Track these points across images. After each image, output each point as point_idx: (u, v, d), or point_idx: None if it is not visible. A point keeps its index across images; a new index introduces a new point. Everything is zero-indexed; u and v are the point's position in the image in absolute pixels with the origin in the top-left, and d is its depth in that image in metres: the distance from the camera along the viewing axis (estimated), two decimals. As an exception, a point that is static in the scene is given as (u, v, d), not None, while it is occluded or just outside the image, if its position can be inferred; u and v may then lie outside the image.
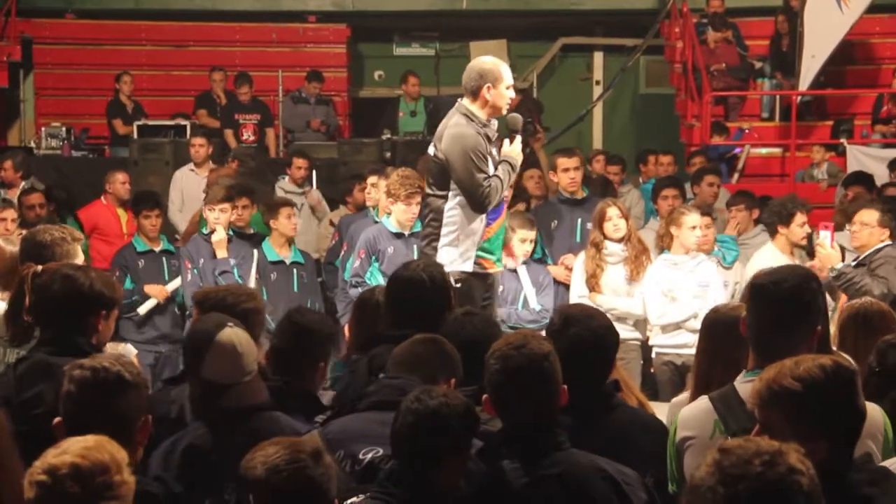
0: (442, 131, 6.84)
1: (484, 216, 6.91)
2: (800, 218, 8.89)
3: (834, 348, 5.22)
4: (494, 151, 6.90)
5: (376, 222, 9.11)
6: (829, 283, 7.79)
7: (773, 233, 9.03)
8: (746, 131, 15.67)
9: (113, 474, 3.02)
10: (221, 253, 9.34)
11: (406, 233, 8.59)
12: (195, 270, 9.36)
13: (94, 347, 4.66)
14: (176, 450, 4.25)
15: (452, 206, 6.79)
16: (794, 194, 10.72)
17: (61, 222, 9.39)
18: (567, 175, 9.53)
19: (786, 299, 3.93)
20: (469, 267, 6.87)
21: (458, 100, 6.96)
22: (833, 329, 5.47)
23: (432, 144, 6.89)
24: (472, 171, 6.67)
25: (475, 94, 6.81)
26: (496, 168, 6.84)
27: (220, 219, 9.44)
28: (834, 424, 3.23)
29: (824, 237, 8.01)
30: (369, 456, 4.13)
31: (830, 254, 7.92)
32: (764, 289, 3.99)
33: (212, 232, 9.45)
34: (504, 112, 6.97)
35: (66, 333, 4.64)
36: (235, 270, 9.30)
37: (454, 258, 6.78)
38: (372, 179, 9.89)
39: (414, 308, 5.17)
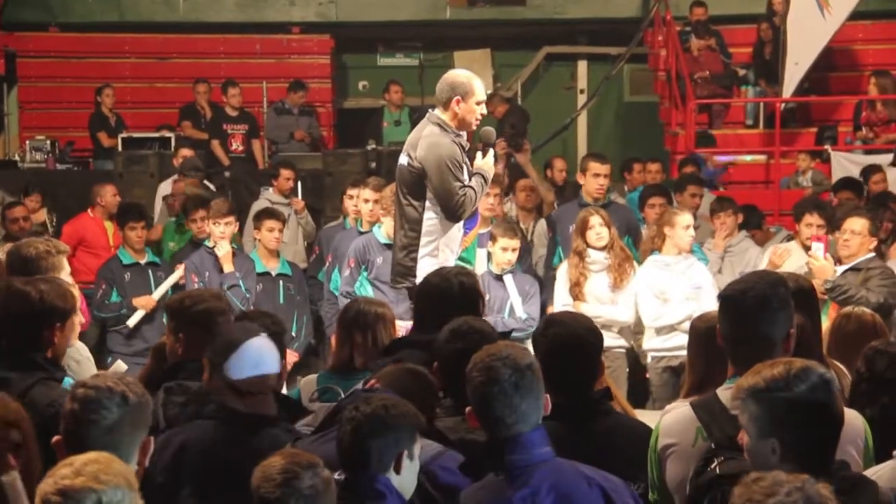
0: (416, 140, 6.82)
1: (461, 225, 6.91)
2: (808, 219, 8.88)
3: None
4: (468, 160, 6.89)
5: (361, 233, 9.11)
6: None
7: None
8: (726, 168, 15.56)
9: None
10: (228, 267, 9.36)
11: (395, 243, 8.58)
12: (201, 284, 9.32)
13: (50, 361, 4.68)
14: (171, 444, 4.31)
15: (430, 217, 6.77)
16: (816, 196, 10.55)
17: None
18: (597, 181, 9.45)
19: (754, 308, 3.94)
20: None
21: (430, 110, 6.97)
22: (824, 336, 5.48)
23: (404, 154, 6.86)
24: (448, 179, 6.66)
25: (446, 105, 6.81)
26: (470, 179, 6.82)
27: (225, 232, 9.46)
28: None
29: (816, 249, 7.91)
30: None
31: (823, 265, 7.82)
32: (732, 299, 4.01)
33: (215, 245, 9.45)
34: (473, 127, 6.95)
35: (21, 348, 4.64)
36: (242, 283, 9.30)
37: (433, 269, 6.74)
38: (352, 191, 9.87)
39: (439, 314, 5.08)
